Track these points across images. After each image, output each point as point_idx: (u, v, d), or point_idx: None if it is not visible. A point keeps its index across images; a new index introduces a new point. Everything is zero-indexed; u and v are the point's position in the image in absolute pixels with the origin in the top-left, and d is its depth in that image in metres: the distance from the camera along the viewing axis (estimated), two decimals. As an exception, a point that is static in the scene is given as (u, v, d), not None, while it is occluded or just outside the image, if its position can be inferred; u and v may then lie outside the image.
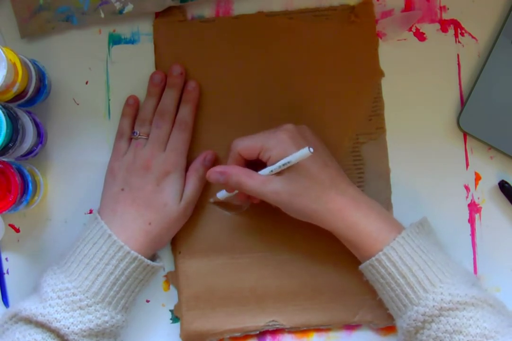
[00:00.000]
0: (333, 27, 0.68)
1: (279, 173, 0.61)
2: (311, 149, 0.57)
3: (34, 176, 0.67)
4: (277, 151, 0.60)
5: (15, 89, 0.62)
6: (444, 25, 0.68)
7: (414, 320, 0.58)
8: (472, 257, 0.68)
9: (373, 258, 0.60)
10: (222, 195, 0.66)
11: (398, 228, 0.61)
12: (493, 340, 0.57)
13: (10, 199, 0.63)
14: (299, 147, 0.59)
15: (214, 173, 0.63)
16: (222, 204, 0.68)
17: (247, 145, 0.62)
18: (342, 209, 0.60)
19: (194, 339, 0.68)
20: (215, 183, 0.64)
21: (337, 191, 0.61)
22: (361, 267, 0.62)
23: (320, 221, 0.61)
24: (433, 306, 0.58)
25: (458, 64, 0.68)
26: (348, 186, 0.62)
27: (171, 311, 0.69)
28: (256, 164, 0.63)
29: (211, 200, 0.68)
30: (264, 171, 0.61)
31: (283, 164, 0.59)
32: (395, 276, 0.59)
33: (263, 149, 0.61)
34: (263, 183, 0.61)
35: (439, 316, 0.58)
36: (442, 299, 0.58)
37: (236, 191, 0.65)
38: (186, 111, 0.67)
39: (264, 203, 0.68)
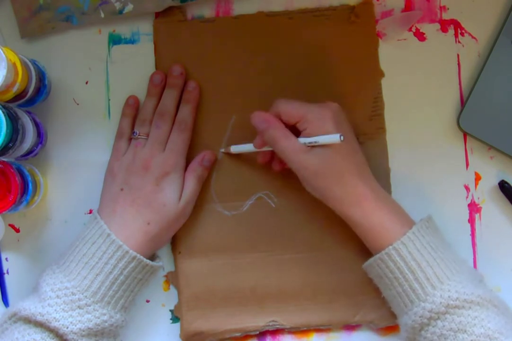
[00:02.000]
0: (333, 27, 0.68)
1: (313, 147, 0.61)
2: (342, 138, 0.58)
3: (34, 176, 0.67)
4: (316, 125, 0.60)
5: (15, 89, 0.62)
6: (444, 25, 0.68)
7: (420, 317, 0.58)
8: (472, 257, 0.68)
9: (383, 252, 0.60)
10: (238, 148, 0.66)
11: (409, 222, 0.61)
12: None
13: (10, 199, 0.63)
14: (338, 130, 0.59)
15: (259, 117, 0.62)
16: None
17: (290, 109, 0.62)
18: (362, 196, 0.61)
19: (194, 339, 0.68)
20: (253, 126, 0.63)
21: (360, 178, 0.61)
22: (369, 261, 0.62)
23: (337, 204, 0.62)
24: (440, 303, 0.58)
25: (458, 64, 0.68)
26: (370, 176, 0.63)
27: (171, 311, 0.69)
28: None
29: (222, 150, 0.68)
30: (300, 139, 0.61)
31: (313, 141, 0.60)
32: (404, 270, 0.59)
33: (303, 118, 0.61)
34: (297, 150, 0.61)
35: (445, 313, 0.58)
36: (449, 296, 0.58)
37: (261, 149, 0.64)
38: (186, 112, 0.67)
39: (264, 202, 0.68)
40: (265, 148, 0.65)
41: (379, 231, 0.61)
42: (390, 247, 0.60)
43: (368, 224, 0.61)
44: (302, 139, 0.61)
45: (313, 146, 0.61)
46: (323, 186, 0.61)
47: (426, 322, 0.58)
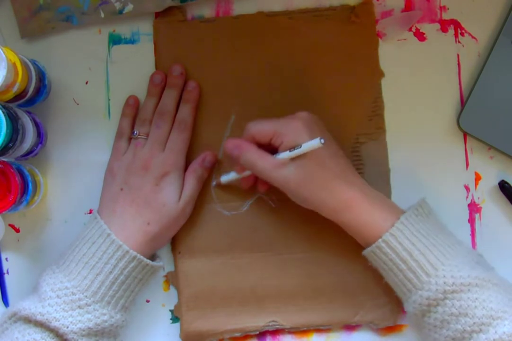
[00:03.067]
0: (333, 27, 0.68)
1: (290, 159, 0.60)
2: (322, 141, 0.57)
3: (34, 176, 0.67)
4: (290, 138, 0.60)
5: (15, 89, 0.62)
6: (444, 25, 0.68)
7: (419, 304, 0.59)
8: (472, 257, 0.68)
9: (374, 245, 0.60)
10: (227, 178, 0.67)
11: (399, 213, 0.61)
12: (501, 320, 0.56)
13: (10, 199, 0.63)
14: (312, 136, 0.59)
15: (231, 144, 0.63)
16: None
17: (261, 128, 0.62)
18: (349, 199, 0.61)
19: (194, 339, 0.68)
20: (227, 155, 0.64)
21: (345, 181, 0.61)
22: (363, 253, 0.62)
23: (326, 209, 0.62)
24: (436, 289, 0.58)
25: (458, 64, 0.68)
26: (355, 177, 0.62)
27: (171, 311, 0.69)
28: (266, 150, 0.62)
29: (213, 183, 0.68)
30: (276, 156, 0.61)
31: (294, 152, 0.60)
32: (397, 261, 0.59)
33: (276, 134, 0.61)
34: (274, 166, 0.61)
35: (443, 299, 0.58)
36: (445, 282, 0.57)
37: (243, 174, 0.65)
38: (186, 111, 0.67)
39: (264, 202, 0.68)
40: (246, 173, 0.65)
41: (369, 228, 0.61)
42: (380, 239, 0.60)
43: (358, 223, 0.61)
44: (282, 154, 0.61)
45: (290, 159, 0.60)
46: (309, 194, 0.61)
47: (426, 309, 0.58)
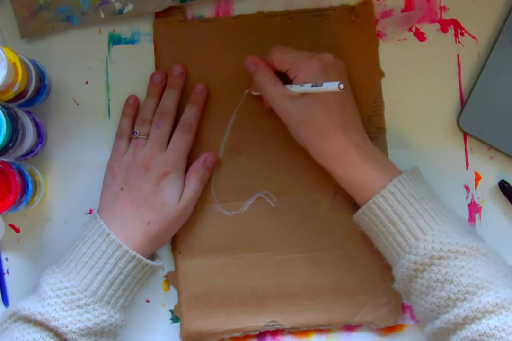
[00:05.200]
0: (333, 27, 0.68)
1: (300, 94, 0.60)
2: (341, 86, 0.55)
3: (34, 176, 0.67)
4: (304, 75, 0.60)
5: (15, 89, 0.62)
6: (444, 25, 0.68)
7: (406, 269, 0.58)
8: (472, 257, 0.67)
9: (364, 206, 0.60)
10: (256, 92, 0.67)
11: (394, 175, 0.61)
12: (486, 290, 0.56)
13: (10, 199, 0.63)
14: (326, 81, 0.58)
15: (251, 60, 0.63)
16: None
17: (281, 57, 0.62)
18: (342, 153, 0.61)
19: (194, 339, 0.68)
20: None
21: (343, 133, 0.60)
22: (355, 216, 0.62)
23: (319, 156, 0.62)
24: (424, 254, 0.57)
25: (458, 64, 0.68)
26: (357, 132, 0.62)
27: (171, 311, 0.69)
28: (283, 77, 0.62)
29: (246, 91, 0.68)
30: (288, 86, 0.61)
31: (309, 88, 0.59)
32: (386, 224, 0.59)
33: (293, 67, 0.61)
34: (282, 96, 0.61)
35: (430, 264, 0.57)
36: (432, 247, 0.57)
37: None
38: (191, 113, 0.67)
39: (264, 202, 0.68)
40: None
41: (361, 185, 0.61)
42: (371, 200, 0.60)
43: (350, 178, 0.61)
44: (294, 87, 0.60)
45: (302, 95, 0.60)
46: (306, 136, 0.61)
47: (414, 274, 0.58)
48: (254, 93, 0.67)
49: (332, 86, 0.55)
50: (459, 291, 0.56)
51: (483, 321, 0.55)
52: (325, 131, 0.60)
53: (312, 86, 0.58)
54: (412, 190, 0.60)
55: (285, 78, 0.62)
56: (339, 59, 0.63)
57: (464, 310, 0.55)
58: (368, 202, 0.60)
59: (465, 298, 0.56)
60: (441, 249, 0.57)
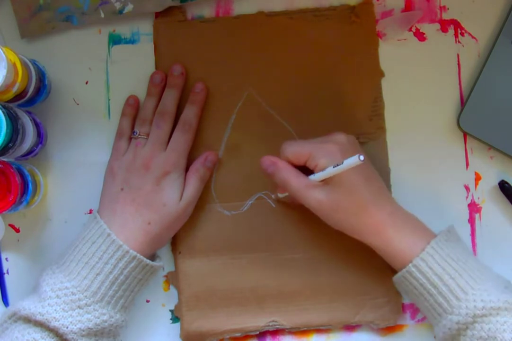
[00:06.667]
0: (333, 27, 0.68)
1: (324, 182, 0.60)
2: (361, 158, 0.54)
3: (34, 176, 0.67)
4: (325, 161, 0.60)
5: (15, 89, 0.62)
6: (444, 25, 0.68)
7: (449, 329, 0.59)
8: (472, 257, 0.68)
9: (404, 270, 0.60)
10: (282, 194, 0.66)
11: (429, 237, 0.61)
12: None
13: (10, 199, 0.63)
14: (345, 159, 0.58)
15: (268, 161, 0.63)
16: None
17: (295, 150, 0.62)
18: (379, 225, 0.61)
19: (194, 339, 0.68)
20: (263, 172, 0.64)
21: (375, 206, 0.61)
22: (394, 279, 0.63)
23: (357, 234, 0.62)
24: (467, 314, 0.58)
25: (458, 64, 0.68)
26: (387, 202, 0.62)
27: (171, 311, 0.69)
28: (302, 170, 0.62)
29: (273, 196, 0.68)
30: (311, 177, 0.61)
31: (330, 172, 0.59)
32: (427, 286, 0.60)
33: (311, 157, 0.61)
34: (307, 187, 0.61)
35: (473, 323, 0.58)
36: (475, 306, 0.58)
37: (286, 194, 0.65)
38: (191, 113, 0.67)
39: (264, 202, 0.68)
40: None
41: (399, 253, 0.61)
42: (410, 264, 0.60)
43: (388, 248, 0.61)
44: (317, 175, 0.60)
45: (323, 182, 0.60)
46: (340, 219, 0.61)
47: (456, 333, 0.58)
48: (280, 195, 0.66)
49: (353, 160, 0.55)
50: None
51: None
52: (357, 209, 0.60)
53: (333, 167, 0.58)
54: (450, 251, 0.60)
55: (304, 172, 0.62)
56: (350, 135, 0.63)
57: None
58: (407, 265, 0.60)
59: None
60: (483, 307, 0.57)
